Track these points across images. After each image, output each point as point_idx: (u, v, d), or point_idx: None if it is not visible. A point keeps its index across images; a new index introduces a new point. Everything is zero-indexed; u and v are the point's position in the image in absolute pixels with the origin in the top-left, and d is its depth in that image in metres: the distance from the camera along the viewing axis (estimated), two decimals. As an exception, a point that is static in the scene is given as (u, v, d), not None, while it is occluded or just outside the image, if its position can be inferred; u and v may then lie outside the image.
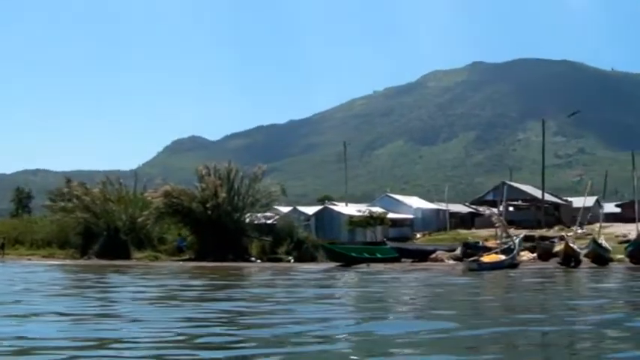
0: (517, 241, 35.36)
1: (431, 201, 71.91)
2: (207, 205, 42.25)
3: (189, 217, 43.56)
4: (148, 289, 20.09)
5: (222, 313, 12.99)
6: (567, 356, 8.52)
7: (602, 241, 35.00)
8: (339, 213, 56.33)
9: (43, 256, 46.45)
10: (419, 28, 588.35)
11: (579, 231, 49.15)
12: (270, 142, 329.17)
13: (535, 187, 70.22)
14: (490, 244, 37.35)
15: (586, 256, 32.94)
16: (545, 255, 35.30)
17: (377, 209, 55.74)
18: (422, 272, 28.73)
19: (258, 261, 40.71)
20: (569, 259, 31.95)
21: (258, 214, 44.78)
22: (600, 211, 43.64)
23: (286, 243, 42.39)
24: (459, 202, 78.80)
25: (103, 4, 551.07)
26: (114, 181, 49.38)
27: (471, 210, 67.46)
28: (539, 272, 28.54)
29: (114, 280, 24.72)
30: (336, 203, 66.44)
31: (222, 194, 42.09)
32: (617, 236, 46.17)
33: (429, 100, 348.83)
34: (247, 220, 44.35)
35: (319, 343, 9.23)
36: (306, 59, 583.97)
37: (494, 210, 49.39)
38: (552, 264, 32.81)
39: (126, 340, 9.29)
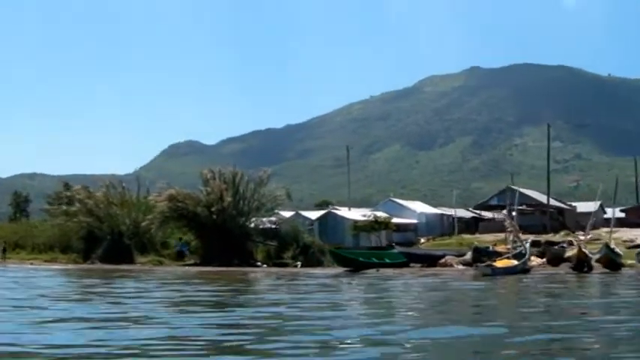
0: (527, 246, 35.03)
1: (434, 206, 71.56)
2: (213, 210, 41.81)
3: (194, 222, 43.07)
4: (168, 293, 19.68)
5: (270, 318, 12.70)
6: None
7: (613, 245, 34.72)
8: (342, 218, 55.98)
9: (45, 261, 45.87)
10: (416, 33, 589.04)
11: (588, 236, 49.05)
12: (267, 147, 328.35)
13: (538, 192, 69.94)
14: (500, 248, 36.98)
15: (598, 261, 32.60)
16: (555, 260, 34.93)
17: (381, 214, 55.35)
18: (434, 277, 28.38)
19: (264, 266, 40.27)
20: (582, 264, 31.55)
21: (264, 219, 44.29)
22: (612, 216, 43.18)
23: (292, 248, 42.05)
24: (461, 207, 78.45)
25: (101, 8, 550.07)
26: (116, 184, 48.72)
27: (473, 215, 67.18)
28: (553, 277, 28.20)
29: (127, 285, 24.23)
30: (338, 208, 66.05)
31: (228, 198, 41.63)
32: (624, 241, 45.88)
33: (426, 105, 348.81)
34: (252, 225, 43.89)
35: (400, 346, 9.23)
36: (303, 64, 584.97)
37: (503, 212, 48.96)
38: (563, 269, 32.42)
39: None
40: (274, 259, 41.86)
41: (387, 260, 36.59)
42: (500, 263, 31.02)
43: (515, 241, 35.57)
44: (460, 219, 64.61)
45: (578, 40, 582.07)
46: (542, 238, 47.67)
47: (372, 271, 33.54)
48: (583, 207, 67.82)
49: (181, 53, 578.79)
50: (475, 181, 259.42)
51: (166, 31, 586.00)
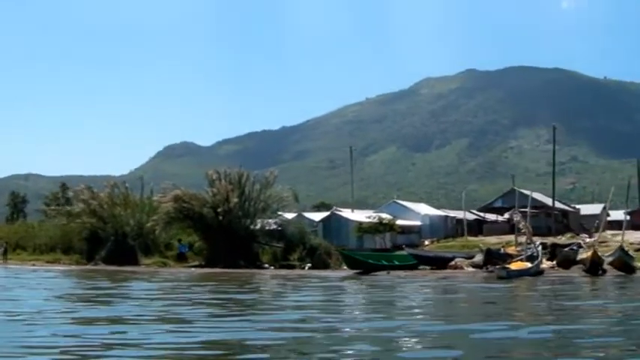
0: (539, 248, 34.68)
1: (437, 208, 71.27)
2: (219, 211, 41.30)
3: (199, 223, 42.51)
4: (193, 295, 19.26)
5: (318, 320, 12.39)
6: None
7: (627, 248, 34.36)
8: (346, 219, 55.56)
9: (47, 262, 45.16)
10: (412, 35, 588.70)
11: (593, 239, 48.69)
12: (263, 148, 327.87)
13: (542, 194, 69.64)
14: (510, 251, 36.61)
15: (610, 264, 32.23)
16: (566, 263, 34.54)
17: (385, 216, 54.95)
18: (448, 280, 28.02)
19: (271, 268, 39.81)
20: (597, 267, 31.12)
21: (270, 220, 43.78)
22: (624, 218, 42.75)
23: (299, 250, 41.62)
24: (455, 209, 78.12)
25: (96, 9, 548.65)
26: (120, 185, 48.13)
27: (476, 217, 66.85)
28: (569, 280, 27.78)
29: (143, 286, 23.73)
30: (340, 209, 65.60)
31: (234, 199, 41.13)
32: (631, 243, 45.54)
33: (422, 107, 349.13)
34: (258, 226, 43.39)
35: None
36: (298, 65, 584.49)
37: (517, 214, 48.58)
38: (575, 272, 32.01)
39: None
40: (280, 261, 41.40)
41: (397, 262, 36.24)
42: (514, 265, 30.62)
43: (528, 243, 35.19)
44: (462, 221, 64.34)
45: (574, 43, 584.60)
46: (548, 240, 47.43)
47: (383, 273, 33.17)
48: (586, 209, 67.69)
49: (176, 54, 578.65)
50: (471, 183, 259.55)
51: (161, 32, 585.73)
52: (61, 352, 8.51)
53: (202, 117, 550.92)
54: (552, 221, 58.39)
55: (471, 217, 68.00)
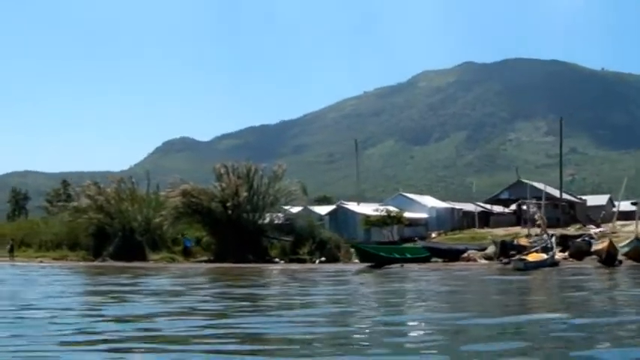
0: (553, 239, 34.47)
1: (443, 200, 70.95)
2: (228, 205, 40.95)
3: (208, 217, 42.15)
4: (224, 289, 18.98)
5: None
6: None
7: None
8: (353, 212, 55.21)
9: (54, 259, 44.85)
10: (409, 29, 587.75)
11: (602, 229, 48.43)
12: (261, 143, 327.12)
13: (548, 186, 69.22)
14: (522, 242, 36.37)
15: (625, 254, 31.98)
16: (579, 254, 34.36)
17: (392, 208, 54.62)
18: (468, 272, 27.82)
19: (281, 262, 39.49)
20: (613, 258, 30.85)
21: (279, 214, 43.41)
22: (638, 208, 42.39)
23: (308, 243, 41.27)
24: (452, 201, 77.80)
25: (93, 6, 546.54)
26: (126, 180, 47.70)
27: (482, 209, 66.50)
28: (588, 271, 27.51)
29: (160, 282, 23.39)
30: (345, 203, 65.25)
31: (244, 193, 40.77)
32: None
33: (420, 100, 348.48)
34: (267, 221, 43.06)
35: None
36: (296, 59, 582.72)
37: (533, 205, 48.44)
38: (589, 263, 31.78)
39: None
40: (290, 255, 41.08)
41: (408, 255, 35.95)
42: (531, 257, 30.36)
43: (543, 235, 34.99)
44: (468, 213, 64.05)
45: (572, 35, 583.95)
46: (557, 231, 47.24)
47: (396, 266, 32.91)
48: (593, 200, 67.43)
49: (175, 50, 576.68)
50: (470, 176, 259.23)
51: (160, 27, 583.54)
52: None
53: (201, 112, 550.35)
54: (560, 212, 58.15)
55: (477, 209, 67.79)
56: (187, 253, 44.31)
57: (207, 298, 16.75)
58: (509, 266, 29.56)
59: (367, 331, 10.33)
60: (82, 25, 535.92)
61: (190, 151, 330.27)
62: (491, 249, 36.19)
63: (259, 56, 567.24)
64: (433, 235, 55.23)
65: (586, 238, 37.57)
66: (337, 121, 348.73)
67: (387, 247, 38.79)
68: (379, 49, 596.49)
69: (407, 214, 55.61)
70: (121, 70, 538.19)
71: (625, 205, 74.20)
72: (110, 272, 30.83)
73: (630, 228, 49.30)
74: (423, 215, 59.31)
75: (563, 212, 59.63)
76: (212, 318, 11.64)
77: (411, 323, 11.26)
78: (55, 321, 11.23)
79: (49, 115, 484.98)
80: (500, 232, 52.43)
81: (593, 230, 47.37)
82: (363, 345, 8.93)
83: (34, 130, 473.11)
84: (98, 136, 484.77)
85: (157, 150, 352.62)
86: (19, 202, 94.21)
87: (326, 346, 8.68)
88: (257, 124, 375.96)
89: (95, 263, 41.05)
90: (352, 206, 58.65)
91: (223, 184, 41.59)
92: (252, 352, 8.19)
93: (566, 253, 34.83)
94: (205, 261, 40.97)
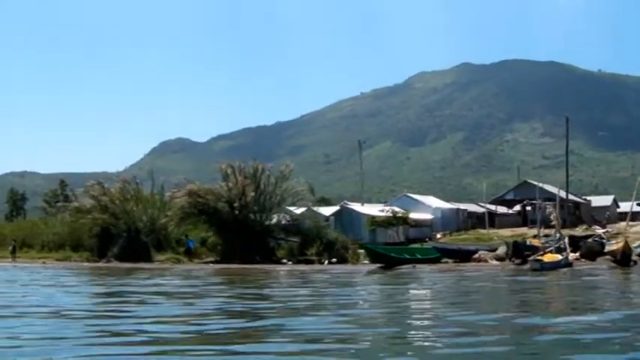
0: (566, 240, 34.20)
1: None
2: (235, 205, 40.46)
3: (214, 218, 41.62)
4: (244, 290, 18.61)
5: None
6: None
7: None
8: (358, 213, 54.81)
9: (57, 259, 44.26)
10: (406, 29, 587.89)
11: (609, 230, 48.19)
12: (258, 144, 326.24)
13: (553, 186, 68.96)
14: (535, 243, 36.06)
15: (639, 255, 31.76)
16: (591, 254, 34.13)
17: (397, 209, 54.23)
18: (479, 272, 27.50)
19: (289, 263, 39.03)
20: (628, 258, 30.57)
21: (286, 215, 42.91)
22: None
23: (316, 244, 40.83)
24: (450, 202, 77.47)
25: (90, 5, 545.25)
26: (131, 180, 47.13)
27: (485, 209, 66.21)
28: (602, 271, 27.17)
29: (177, 282, 22.92)
30: (348, 203, 64.87)
31: (251, 193, 40.28)
32: (651, 234, 45.05)
33: (417, 101, 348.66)
34: (274, 221, 42.58)
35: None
36: (293, 60, 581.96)
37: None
38: (602, 263, 31.51)
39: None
40: (297, 256, 40.62)
41: (419, 256, 35.63)
42: (546, 258, 30.05)
43: (556, 235, 34.73)
44: (473, 214, 63.75)
45: (569, 36, 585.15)
46: (564, 232, 46.93)
47: (407, 267, 32.52)
48: (597, 201, 67.20)
49: (172, 50, 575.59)
50: (467, 177, 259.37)
51: (157, 29, 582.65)
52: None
53: (197, 113, 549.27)
54: (566, 213, 57.85)
55: (480, 209, 67.49)
56: (189, 254, 43.81)
57: (232, 299, 16.28)
58: (526, 267, 29.28)
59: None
60: (80, 27, 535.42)
61: (187, 152, 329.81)
62: (501, 250, 35.88)
63: (256, 57, 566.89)
64: (438, 235, 54.91)
65: (596, 239, 37.39)
66: (334, 122, 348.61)
67: (397, 248, 38.43)
68: (376, 50, 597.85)
69: (412, 215, 55.28)
70: (117, 71, 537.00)
71: (628, 206, 73.93)
72: (119, 273, 30.31)
73: (638, 229, 49.20)
74: (428, 216, 58.92)
75: (569, 213, 59.35)
76: (250, 319, 11.22)
77: (489, 323, 10.85)
78: (94, 322, 10.81)
79: (46, 116, 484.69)
80: (507, 232, 52.14)
81: (598, 231, 47.18)
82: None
83: (31, 130, 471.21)
84: (95, 137, 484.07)
85: (154, 151, 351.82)
86: (16, 203, 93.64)
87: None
88: (253, 125, 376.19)
89: (100, 264, 40.50)
90: (356, 207, 58.23)
91: (230, 184, 41.09)
92: (321, 352, 7.84)
93: (577, 254, 34.65)
94: (212, 262, 40.46)
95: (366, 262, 36.97)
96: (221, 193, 41.32)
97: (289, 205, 43.37)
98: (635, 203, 70.33)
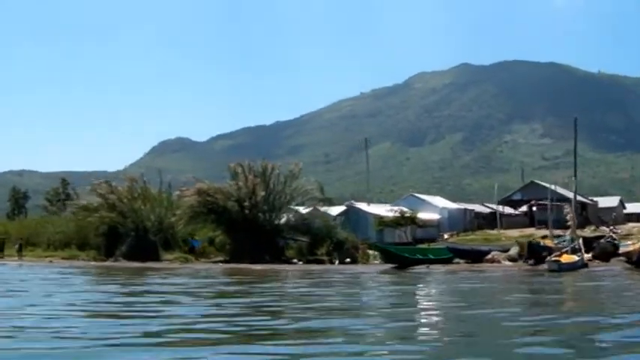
0: (580, 241, 34.01)
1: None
2: (245, 204, 40.13)
3: (223, 217, 41.27)
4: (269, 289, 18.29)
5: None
6: None
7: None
8: (365, 212, 54.47)
9: (64, 258, 43.85)
10: (406, 30, 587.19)
11: (618, 231, 48.01)
12: (257, 143, 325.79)
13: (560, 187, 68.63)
14: (548, 244, 35.82)
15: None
16: (605, 255, 33.96)
17: (405, 209, 53.89)
18: (498, 273, 27.30)
19: (299, 263, 38.72)
20: (645, 259, 30.27)
21: (296, 214, 42.58)
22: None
23: (326, 244, 40.55)
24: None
25: (90, 4, 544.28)
26: (138, 179, 46.74)
27: (491, 210, 65.99)
28: (618, 272, 26.90)
29: (195, 282, 22.58)
30: (355, 203, 64.48)
31: (261, 192, 39.96)
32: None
33: (416, 102, 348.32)
34: (283, 221, 42.27)
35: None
36: (292, 60, 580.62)
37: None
38: (617, 264, 31.29)
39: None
40: (307, 256, 40.33)
41: (431, 256, 35.40)
42: (564, 259, 29.83)
43: (572, 235, 34.54)
44: (479, 214, 63.48)
45: (568, 37, 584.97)
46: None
47: (421, 267, 32.28)
48: (604, 202, 66.99)
49: (171, 50, 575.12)
50: (466, 177, 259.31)
51: (156, 28, 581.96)
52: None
53: (197, 112, 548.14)
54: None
55: (486, 210, 67.26)
56: (193, 253, 43.47)
57: (260, 298, 15.97)
58: (541, 267, 29.08)
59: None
60: (79, 26, 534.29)
61: (186, 152, 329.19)
62: (514, 250, 35.68)
63: (256, 57, 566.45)
64: (445, 236, 54.62)
65: (609, 240, 37.17)
66: (333, 122, 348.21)
67: (410, 249, 38.18)
68: (376, 50, 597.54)
69: (419, 215, 54.97)
70: (117, 71, 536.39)
71: (634, 207, 73.89)
72: (130, 272, 29.99)
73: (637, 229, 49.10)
74: (435, 216, 58.61)
75: (577, 214, 59.03)
76: (292, 320, 10.94)
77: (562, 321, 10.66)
78: (131, 323, 10.52)
79: (46, 114, 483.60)
80: (515, 233, 51.80)
81: (606, 230, 47.00)
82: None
83: (30, 129, 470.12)
84: (94, 135, 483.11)
85: (153, 150, 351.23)
86: (18, 201, 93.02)
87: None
88: (253, 124, 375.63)
89: (107, 263, 40.14)
90: (363, 206, 57.87)
91: (240, 183, 40.77)
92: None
93: (590, 255, 34.44)
94: (221, 261, 40.15)
95: (376, 262, 36.77)
96: (230, 192, 41.00)
97: (298, 204, 43.04)
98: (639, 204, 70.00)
